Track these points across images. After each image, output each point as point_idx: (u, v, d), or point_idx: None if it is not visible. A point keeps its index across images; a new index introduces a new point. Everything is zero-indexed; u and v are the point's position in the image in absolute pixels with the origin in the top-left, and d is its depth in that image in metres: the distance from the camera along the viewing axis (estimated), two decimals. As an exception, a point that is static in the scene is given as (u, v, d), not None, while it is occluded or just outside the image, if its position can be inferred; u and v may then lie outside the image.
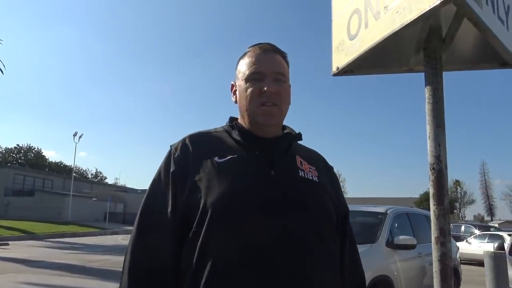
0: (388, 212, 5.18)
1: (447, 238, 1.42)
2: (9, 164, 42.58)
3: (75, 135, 32.11)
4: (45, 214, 29.56)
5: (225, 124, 1.32)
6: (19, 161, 51.23)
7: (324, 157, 1.40)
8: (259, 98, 1.19)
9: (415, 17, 1.31)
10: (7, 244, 15.11)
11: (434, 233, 1.44)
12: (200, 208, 1.05)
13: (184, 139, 1.22)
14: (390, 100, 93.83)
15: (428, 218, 6.16)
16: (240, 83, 1.25)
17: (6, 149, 52.70)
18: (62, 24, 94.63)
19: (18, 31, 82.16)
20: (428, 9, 1.26)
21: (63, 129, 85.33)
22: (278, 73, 1.22)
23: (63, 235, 20.97)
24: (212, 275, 1.00)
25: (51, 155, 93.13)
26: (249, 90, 1.20)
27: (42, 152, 55.40)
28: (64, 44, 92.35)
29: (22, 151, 53.42)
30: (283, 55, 1.29)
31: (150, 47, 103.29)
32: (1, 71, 29.92)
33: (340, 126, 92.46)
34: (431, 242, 5.12)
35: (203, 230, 1.04)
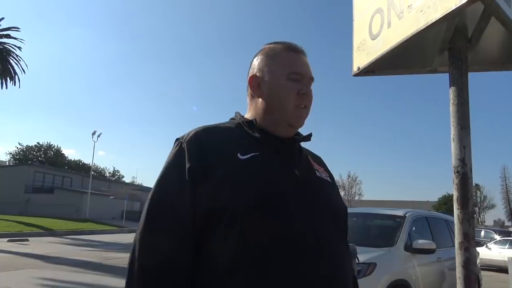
0: (406, 215, 5.10)
1: (471, 243, 1.38)
2: (29, 162, 43.38)
3: (93, 134, 32.57)
4: (64, 211, 30.05)
5: (229, 119, 1.28)
6: (39, 159, 52.14)
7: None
8: (296, 99, 1.17)
9: (440, 16, 1.28)
10: (27, 240, 15.41)
11: (458, 238, 1.40)
12: (232, 206, 1.01)
13: (196, 133, 1.14)
14: (408, 102, 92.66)
15: (448, 222, 6.06)
16: (273, 79, 1.20)
17: (27, 146, 53.73)
18: (83, 25, 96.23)
19: (39, 32, 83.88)
20: (454, 8, 1.23)
21: (82, 128, 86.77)
22: (312, 78, 1.22)
23: (81, 232, 21.28)
24: (254, 275, 0.98)
25: (71, 153, 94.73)
26: (288, 89, 1.17)
27: (62, 151, 56.34)
28: (84, 45, 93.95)
29: (42, 149, 54.38)
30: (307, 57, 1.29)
31: (166, 47, 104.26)
32: (23, 71, 30.67)
33: (357, 128, 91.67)
34: (450, 247, 5.08)
35: (239, 229, 1.00)
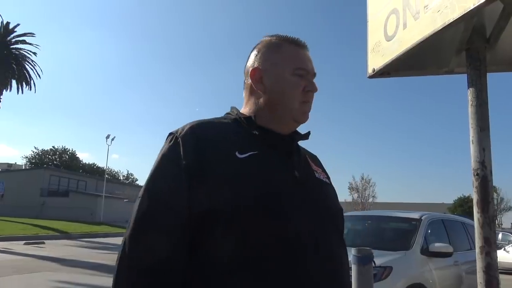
0: (422, 218, 5.03)
1: (492, 247, 1.35)
2: (45, 166, 43.99)
3: (107, 137, 32.91)
4: (79, 214, 30.40)
5: (224, 114, 1.22)
6: (55, 162, 52.82)
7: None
8: (302, 95, 1.14)
9: (458, 16, 1.26)
10: (43, 243, 15.60)
11: (478, 243, 1.37)
12: (230, 207, 0.97)
13: (191, 127, 1.08)
14: (423, 103, 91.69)
15: (465, 225, 5.96)
16: (278, 73, 1.15)
17: (43, 150, 54.47)
18: (96, 28, 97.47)
19: (53, 35, 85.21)
20: (472, 7, 1.20)
21: (97, 131, 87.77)
22: (315, 75, 1.20)
23: (96, 235, 21.48)
24: (252, 276, 0.94)
25: (85, 157, 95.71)
26: (295, 84, 1.14)
27: (76, 154, 56.99)
28: (98, 48, 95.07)
29: (58, 152, 55.09)
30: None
31: (179, 51, 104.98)
32: (39, 76, 31.18)
33: (370, 130, 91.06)
34: (468, 250, 4.99)
35: (237, 229, 0.96)
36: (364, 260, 2.74)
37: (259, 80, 1.17)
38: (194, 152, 1.02)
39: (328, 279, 1.02)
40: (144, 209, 0.99)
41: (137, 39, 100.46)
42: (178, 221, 0.97)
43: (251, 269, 0.95)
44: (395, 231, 5.22)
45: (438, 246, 4.52)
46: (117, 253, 0.99)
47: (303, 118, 1.16)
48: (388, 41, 1.65)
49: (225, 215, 0.96)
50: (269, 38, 1.22)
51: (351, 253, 2.83)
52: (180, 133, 1.06)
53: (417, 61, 1.71)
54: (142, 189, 1.04)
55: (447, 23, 1.30)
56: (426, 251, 4.52)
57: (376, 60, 1.73)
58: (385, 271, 3.82)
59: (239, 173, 1.00)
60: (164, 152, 1.06)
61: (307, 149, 1.31)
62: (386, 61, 1.66)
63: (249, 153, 1.05)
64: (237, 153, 1.04)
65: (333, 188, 1.24)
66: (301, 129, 1.23)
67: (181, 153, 1.02)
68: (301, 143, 1.23)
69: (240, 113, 1.18)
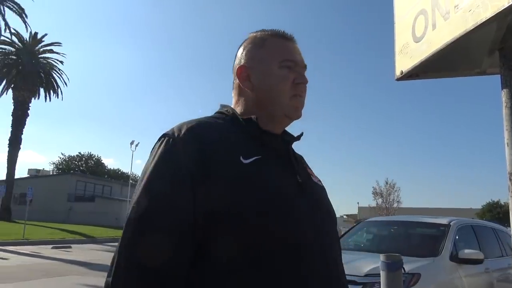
0: (451, 223, 4.89)
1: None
2: (71, 171, 45.00)
3: (132, 143, 33.44)
4: (104, 219, 30.96)
5: (215, 113, 1.15)
6: (81, 168, 53.92)
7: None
8: (292, 89, 1.08)
9: (491, 15, 1.22)
10: (70, 247, 15.93)
11: (515, 250, 1.32)
12: (237, 211, 0.92)
13: (190, 128, 1.00)
14: (448, 106, 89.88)
15: (496, 231, 5.78)
16: (265, 68, 1.10)
17: (69, 156, 55.75)
18: (121, 37, 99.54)
19: (79, 43, 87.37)
20: (506, 5, 1.16)
21: (121, 137, 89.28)
22: (305, 67, 1.14)
23: (121, 239, 21.74)
24: (258, 280, 0.91)
25: (110, 162, 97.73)
26: (283, 78, 1.08)
27: (102, 160, 58.09)
28: (123, 56, 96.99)
29: (84, 158, 56.26)
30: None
31: (202, 57, 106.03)
32: (65, 84, 32.01)
33: (394, 133, 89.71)
34: (499, 257, 4.82)
35: (243, 236, 0.92)
36: (393, 266, 2.67)
37: (246, 78, 1.12)
38: (196, 154, 0.95)
39: (333, 282, 1.02)
40: (142, 212, 0.91)
41: (162, 46, 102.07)
42: (181, 224, 0.91)
43: (257, 275, 0.91)
44: (422, 237, 5.10)
45: (468, 252, 4.39)
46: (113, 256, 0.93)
47: (296, 113, 1.10)
48: (416, 42, 1.62)
49: (231, 220, 0.91)
50: (254, 34, 1.17)
51: (380, 259, 2.77)
52: (178, 134, 0.99)
53: (447, 62, 1.67)
54: (137, 194, 0.95)
55: (479, 23, 1.26)
56: (455, 258, 4.40)
57: (404, 62, 1.69)
58: (413, 278, 3.73)
59: (245, 179, 0.96)
60: (162, 155, 0.97)
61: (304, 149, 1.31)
62: (414, 63, 1.62)
63: (253, 158, 1.00)
64: (241, 158, 0.99)
65: (325, 190, 1.22)
66: (297, 129, 1.20)
67: (182, 155, 0.95)
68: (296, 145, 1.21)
69: (227, 109, 1.12)
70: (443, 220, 5.08)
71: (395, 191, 42.46)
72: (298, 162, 1.15)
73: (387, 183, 42.76)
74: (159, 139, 1.02)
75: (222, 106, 1.16)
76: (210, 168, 0.94)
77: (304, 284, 0.95)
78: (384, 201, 42.55)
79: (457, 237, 4.74)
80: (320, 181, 1.22)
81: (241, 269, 0.91)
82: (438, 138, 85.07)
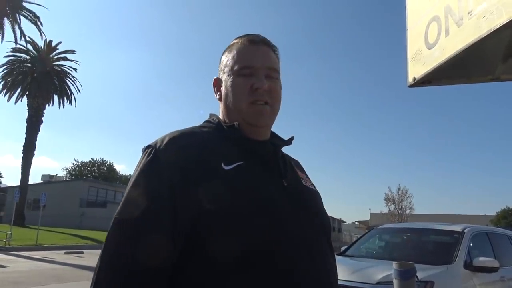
0: (465, 231, 4.83)
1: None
2: (84, 177, 45.47)
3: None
4: (116, 225, 31.07)
5: (203, 122, 1.16)
6: (93, 174, 54.38)
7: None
8: (249, 95, 1.06)
9: (505, 22, 1.21)
10: (82, 253, 16.03)
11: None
12: (219, 219, 0.92)
13: (172, 139, 1.02)
14: (463, 113, 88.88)
15: (511, 238, 5.68)
16: (226, 78, 1.11)
17: (82, 162, 56.24)
18: (135, 43, 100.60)
19: (93, 52, 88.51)
20: (521, 12, 1.16)
21: (133, 144, 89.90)
22: (271, 69, 1.09)
23: (132, 245, 21.82)
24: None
25: (122, 168, 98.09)
26: (238, 86, 1.07)
27: (114, 166, 58.53)
28: (134, 63, 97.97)
29: (96, 164, 56.75)
30: (274, 49, 1.15)
31: (215, 63, 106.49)
32: (79, 91, 32.41)
33: (407, 139, 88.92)
34: (516, 265, 4.61)
35: (230, 242, 0.91)
36: (407, 274, 2.64)
37: (217, 89, 1.16)
38: (177, 165, 0.96)
39: (322, 284, 1.01)
40: (122, 223, 0.94)
41: (175, 53, 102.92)
42: (161, 232, 0.91)
43: (237, 280, 0.90)
44: (436, 244, 5.04)
45: (482, 260, 4.32)
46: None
47: (258, 119, 1.07)
48: (429, 49, 1.61)
49: (213, 226, 0.92)
50: (232, 41, 1.18)
51: (392, 267, 2.74)
52: (159, 146, 1.00)
53: (460, 69, 1.66)
54: (119, 205, 0.97)
55: (493, 29, 1.25)
56: (469, 266, 4.33)
57: (417, 68, 1.69)
58: (426, 286, 3.68)
59: (227, 186, 0.95)
60: (143, 167, 0.98)
61: (297, 155, 1.29)
62: (427, 70, 1.62)
63: (235, 164, 1.00)
64: (223, 165, 0.99)
65: (319, 194, 1.21)
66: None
67: (163, 165, 0.96)
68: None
69: (222, 121, 1.13)
70: (457, 228, 5.01)
71: (408, 197, 42.00)
72: (287, 167, 1.13)
73: (399, 189, 42.35)
74: (143, 151, 1.03)
75: (210, 115, 1.18)
76: (191, 177, 0.95)
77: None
78: (397, 207, 42.11)
79: (471, 245, 4.67)
80: (313, 185, 1.21)
81: (222, 274, 0.91)
82: (452, 144, 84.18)
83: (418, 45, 1.69)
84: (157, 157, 0.98)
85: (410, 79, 1.73)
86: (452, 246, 4.59)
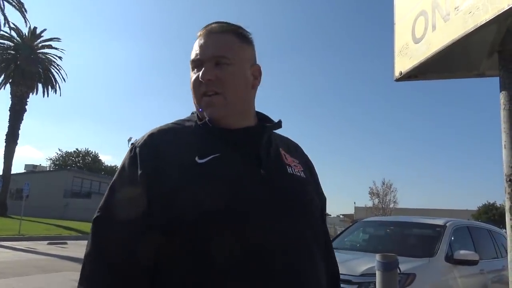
0: (447, 224, 4.91)
1: (526, 256, 1.30)
2: (68, 167, 44.94)
3: (129, 140, 33.16)
4: (101, 216, 30.84)
5: (190, 115, 1.16)
6: (78, 164, 53.79)
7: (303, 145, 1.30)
8: (199, 88, 1.06)
9: (491, 18, 1.22)
10: (66, 243, 15.90)
11: (510, 250, 1.33)
12: (188, 217, 0.93)
13: (150, 135, 1.06)
14: (446, 109, 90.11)
15: (491, 232, 5.81)
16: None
17: (66, 152, 55.56)
18: (121, 34, 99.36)
19: (78, 40, 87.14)
20: (506, 8, 1.17)
21: (119, 134, 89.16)
22: (218, 57, 1.06)
23: (117, 236, 21.71)
24: (210, 281, 0.92)
25: (107, 159, 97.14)
26: (192, 81, 1.09)
27: (99, 157, 57.97)
28: (121, 54, 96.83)
29: (81, 155, 56.12)
30: (234, 31, 1.12)
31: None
32: (64, 79, 31.93)
33: (391, 134, 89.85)
34: (494, 259, 4.84)
35: (198, 239, 0.93)
36: (389, 266, 2.68)
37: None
38: (150, 161, 1.00)
39: (297, 279, 0.97)
40: (101, 214, 1.02)
41: (160, 44, 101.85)
42: (134, 224, 0.96)
43: (215, 278, 0.92)
44: (418, 238, 5.12)
45: (463, 253, 4.41)
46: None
47: (210, 112, 1.06)
48: (416, 43, 1.63)
49: (186, 224, 0.93)
50: None
51: (376, 259, 2.78)
52: (139, 142, 1.05)
53: (446, 63, 1.68)
54: (102, 199, 1.05)
55: (479, 25, 1.27)
56: (450, 259, 4.42)
57: (404, 62, 1.70)
58: (408, 278, 3.74)
59: (198, 179, 0.97)
60: (123, 164, 1.05)
61: (297, 141, 1.27)
62: (414, 64, 1.63)
63: (210, 157, 1.01)
64: (196, 158, 1.00)
65: (308, 182, 1.15)
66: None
67: (139, 160, 1.00)
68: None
69: (196, 117, 1.12)
70: (439, 221, 5.10)
71: (392, 191, 42.58)
72: (272, 154, 1.10)
73: (384, 183, 42.89)
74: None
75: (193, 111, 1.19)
76: (164, 171, 0.98)
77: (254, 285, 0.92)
78: (381, 201, 42.65)
79: (452, 238, 4.77)
80: (307, 170, 1.17)
81: (191, 268, 0.93)
82: (435, 139, 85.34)
83: (405, 40, 1.70)
84: (135, 153, 1.03)
85: (397, 73, 1.75)
86: (434, 240, 4.68)
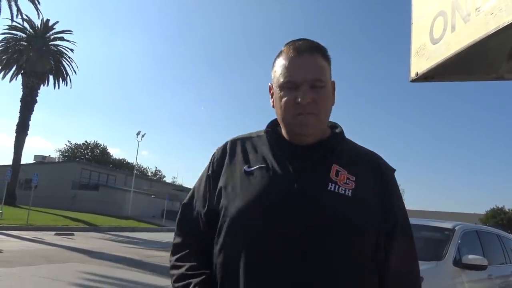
0: (456, 228, 4.86)
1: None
2: (77, 159, 45.19)
3: (138, 134, 33.51)
4: (107, 208, 31.09)
5: (265, 127, 1.28)
6: (86, 156, 54.02)
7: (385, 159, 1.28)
8: (294, 109, 1.12)
9: (513, 20, 1.19)
10: (73, 234, 16.03)
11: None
12: (221, 217, 1.14)
13: (225, 144, 1.27)
14: (456, 111, 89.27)
15: (500, 237, 5.74)
16: (275, 89, 1.19)
17: (75, 144, 55.88)
18: (132, 28, 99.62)
19: (90, 34, 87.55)
20: (530, 10, 1.14)
21: (128, 128, 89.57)
22: (314, 80, 1.12)
23: (123, 229, 21.91)
24: (224, 283, 1.11)
25: (116, 152, 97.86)
26: (283, 99, 1.14)
27: (107, 149, 58.18)
28: (133, 47, 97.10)
29: (90, 147, 56.40)
30: (322, 52, 1.18)
31: (215, 51, 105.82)
32: (75, 72, 32.12)
33: (400, 135, 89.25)
34: (503, 264, 4.77)
35: (220, 239, 1.13)
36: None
37: (271, 96, 1.24)
38: (216, 165, 1.25)
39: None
40: (184, 205, 1.31)
41: (172, 39, 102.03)
42: (200, 210, 1.23)
43: (223, 275, 1.11)
44: (426, 241, 5.07)
45: (471, 258, 4.36)
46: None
47: (302, 129, 1.14)
48: (434, 44, 1.59)
49: (221, 221, 1.14)
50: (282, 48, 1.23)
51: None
52: (217, 149, 1.29)
53: (464, 65, 1.64)
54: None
55: (501, 26, 1.23)
56: (459, 263, 4.37)
57: (420, 63, 1.67)
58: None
59: (238, 186, 1.14)
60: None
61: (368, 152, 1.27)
62: (431, 65, 1.60)
63: (256, 166, 1.16)
64: (245, 167, 1.17)
65: (356, 200, 1.11)
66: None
67: (209, 165, 1.27)
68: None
69: (273, 125, 1.26)
70: (448, 225, 5.05)
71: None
72: (319, 169, 1.13)
73: (391, 184, 42.49)
74: None
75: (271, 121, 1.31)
76: (218, 176, 1.21)
77: None
78: (388, 202, 42.27)
79: (461, 242, 4.71)
80: (351, 189, 1.12)
81: (217, 265, 1.14)
82: (444, 141, 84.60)
83: (423, 40, 1.67)
84: (212, 157, 1.30)
85: (413, 74, 1.72)
86: (442, 243, 4.63)
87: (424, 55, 1.65)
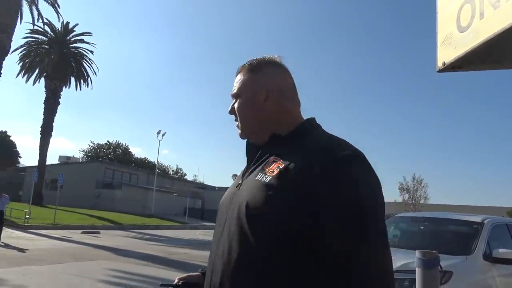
0: (485, 222, 4.74)
1: None
2: (100, 159, 45.99)
3: (158, 133, 33.93)
4: (131, 207, 31.59)
5: None
6: (109, 156, 55.00)
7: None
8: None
9: (547, 4, 1.14)
10: (98, 233, 16.35)
11: None
12: None
13: None
14: (481, 103, 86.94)
15: (531, 230, 5.57)
16: None
17: (98, 144, 57.01)
18: (152, 26, 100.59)
19: (110, 35, 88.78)
20: None
21: (148, 127, 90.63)
22: (233, 95, 1.28)
23: (147, 227, 22.24)
24: None
25: (137, 151, 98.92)
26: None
27: (129, 149, 59.13)
28: (152, 47, 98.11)
29: (112, 147, 57.42)
30: (247, 68, 1.27)
31: (237, 49, 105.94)
32: (95, 73, 32.67)
33: (428, 129, 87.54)
34: (536, 257, 4.47)
35: None
36: (430, 263, 2.60)
37: None
38: None
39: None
40: None
41: (192, 38, 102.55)
42: None
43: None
44: (454, 234, 4.96)
45: (503, 252, 4.24)
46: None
47: (239, 134, 1.26)
48: (461, 32, 1.55)
49: None
50: None
51: (415, 255, 2.70)
52: None
53: (494, 54, 1.59)
54: None
55: (534, 11, 1.19)
56: (489, 257, 4.26)
57: (447, 53, 1.62)
58: (445, 276, 3.63)
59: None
60: None
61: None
62: (458, 54, 1.55)
63: (241, 171, 1.25)
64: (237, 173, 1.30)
65: (264, 184, 1.01)
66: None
67: None
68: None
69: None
70: (477, 218, 4.93)
71: (423, 187, 41.67)
72: (260, 164, 1.12)
73: (414, 178, 42.00)
74: None
75: None
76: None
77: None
78: (411, 197, 41.82)
79: (490, 236, 4.59)
80: (268, 176, 1.03)
81: None
82: (470, 135, 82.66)
83: (450, 29, 1.62)
84: None
85: (440, 64, 1.67)
86: (471, 237, 4.52)
87: (451, 44, 1.60)
